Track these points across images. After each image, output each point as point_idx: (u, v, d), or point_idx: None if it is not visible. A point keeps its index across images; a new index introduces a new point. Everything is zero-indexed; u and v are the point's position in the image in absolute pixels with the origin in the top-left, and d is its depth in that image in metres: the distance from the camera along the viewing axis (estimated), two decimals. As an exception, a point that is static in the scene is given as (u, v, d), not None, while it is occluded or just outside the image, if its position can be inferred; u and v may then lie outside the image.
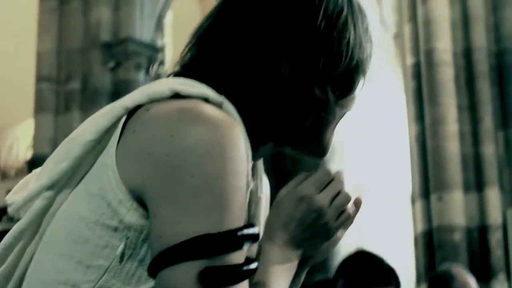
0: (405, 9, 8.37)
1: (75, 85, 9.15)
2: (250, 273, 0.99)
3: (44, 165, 1.12)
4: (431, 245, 7.11)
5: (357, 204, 1.24)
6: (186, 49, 1.20)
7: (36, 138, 9.26)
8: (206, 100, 1.05)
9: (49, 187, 1.06)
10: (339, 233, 1.23)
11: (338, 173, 1.21)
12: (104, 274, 1.01)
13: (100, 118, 1.06)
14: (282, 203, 1.17)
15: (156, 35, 9.96)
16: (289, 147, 1.25)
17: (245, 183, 1.02)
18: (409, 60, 8.10)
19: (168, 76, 1.18)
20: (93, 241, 1.01)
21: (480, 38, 7.85)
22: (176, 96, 1.06)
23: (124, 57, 9.33)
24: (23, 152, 11.78)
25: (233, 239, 0.97)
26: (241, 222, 1.00)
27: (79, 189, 1.06)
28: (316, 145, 1.25)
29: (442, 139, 7.45)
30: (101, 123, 1.05)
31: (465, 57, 7.82)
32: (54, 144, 8.02)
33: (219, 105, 1.06)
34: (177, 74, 1.16)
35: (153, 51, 9.71)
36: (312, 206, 1.16)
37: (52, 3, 9.56)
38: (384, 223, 7.99)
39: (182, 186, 0.96)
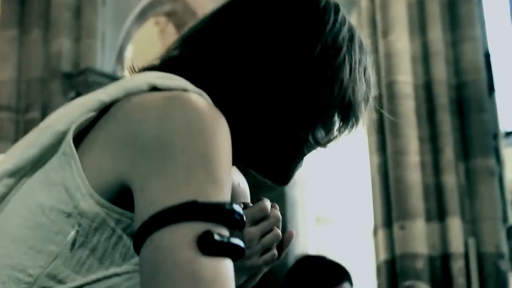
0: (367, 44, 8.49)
1: (35, 114, 9.04)
2: (242, 253, 0.93)
3: (10, 150, 1.08)
4: (394, 273, 7.14)
5: (287, 241, 1.19)
6: (172, 47, 1.17)
7: (-7, 167, 9.11)
8: (185, 91, 1.02)
9: (12, 174, 1.02)
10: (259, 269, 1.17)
11: (275, 210, 1.14)
12: (53, 260, 0.97)
13: (75, 109, 1.03)
14: None
15: (117, 66, 9.95)
16: (253, 169, 1.20)
17: (231, 168, 0.98)
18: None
19: (143, 70, 1.15)
20: (46, 226, 0.98)
21: (440, 71, 8.00)
22: (154, 89, 1.02)
23: (84, 88, 9.27)
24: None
25: (229, 212, 0.92)
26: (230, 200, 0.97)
27: (37, 177, 1.02)
28: (282, 172, 1.19)
29: (404, 170, 7.52)
30: (74, 115, 1.02)
31: (426, 90, 7.96)
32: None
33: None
34: (153, 68, 1.13)
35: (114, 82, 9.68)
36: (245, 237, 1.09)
37: (12, 32, 9.50)
38: (346, 253, 7.99)
39: (173, 161, 0.93)
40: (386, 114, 7.52)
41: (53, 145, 1.01)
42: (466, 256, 7.14)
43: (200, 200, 0.90)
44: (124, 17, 10.32)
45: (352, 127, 1.20)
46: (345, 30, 1.15)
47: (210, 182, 0.92)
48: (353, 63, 1.15)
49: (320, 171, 8.80)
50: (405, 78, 7.98)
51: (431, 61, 8.06)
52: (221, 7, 1.19)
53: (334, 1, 1.18)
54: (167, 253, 0.88)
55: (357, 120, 1.19)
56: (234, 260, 0.91)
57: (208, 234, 0.88)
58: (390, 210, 7.43)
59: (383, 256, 7.32)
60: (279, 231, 1.15)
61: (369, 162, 7.96)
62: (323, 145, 1.17)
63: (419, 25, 8.26)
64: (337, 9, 1.17)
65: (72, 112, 1.03)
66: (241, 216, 0.94)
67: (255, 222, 1.13)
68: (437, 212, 7.36)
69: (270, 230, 1.14)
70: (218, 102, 1.04)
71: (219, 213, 0.91)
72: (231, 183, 0.98)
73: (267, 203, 1.14)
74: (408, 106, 7.86)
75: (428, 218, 7.32)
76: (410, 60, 8.09)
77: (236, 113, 1.09)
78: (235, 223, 0.92)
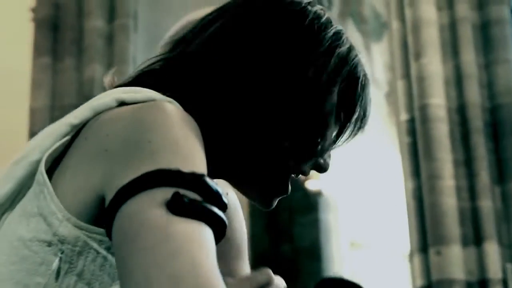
0: (398, 67, 8.46)
1: (69, 141, 9.12)
2: (222, 222, 0.88)
3: None
4: (431, 299, 7.07)
5: None
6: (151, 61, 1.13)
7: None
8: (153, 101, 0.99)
9: None
10: None
11: (279, 280, 1.11)
12: None
13: (47, 137, 1.01)
14: None
15: (149, 92, 10.00)
16: (235, 186, 1.17)
17: (205, 167, 0.94)
18: (403, 116, 8.16)
19: (116, 87, 1.10)
20: (29, 258, 0.95)
21: (474, 94, 7.94)
22: (123, 105, 1.00)
23: (117, 114, 9.33)
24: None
25: (201, 180, 0.88)
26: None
27: (17, 211, 0.99)
28: (265, 192, 1.15)
29: (438, 194, 7.45)
30: (46, 143, 1.00)
31: (460, 113, 7.89)
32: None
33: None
34: (127, 84, 1.10)
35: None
36: None
37: (45, 60, 9.58)
38: (382, 279, 7.93)
39: (140, 151, 0.90)
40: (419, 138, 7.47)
41: (28, 176, 0.99)
42: (505, 282, 7.05)
43: (166, 167, 0.87)
44: (156, 43, 10.38)
45: (354, 131, 1.16)
46: (337, 43, 1.11)
47: (180, 159, 0.89)
48: (344, 75, 1.11)
49: (354, 196, 8.76)
50: (438, 101, 7.93)
51: (464, 84, 8.00)
52: (207, 19, 1.15)
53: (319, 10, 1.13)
54: (136, 215, 0.84)
55: (358, 125, 1.16)
56: (213, 228, 0.86)
57: (177, 196, 0.84)
58: (426, 235, 7.36)
59: (419, 282, 7.24)
60: None
61: (404, 187, 7.90)
62: (312, 158, 1.13)
63: (452, 48, 8.21)
64: (324, 19, 1.12)
65: (44, 140, 1.01)
66: (218, 190, 0.89)
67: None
68: (474, 237, 7.28)
69: None
70: (198, 112, 1.01)
71: (189, 179, 0.87)
72: (205, 171, 0.93)
73: (270, 272, 1.11)
74: (441, 130, 7.79)
75: (465, 243, 7.24)
76: (443, 83, 8.04)
77: (217, 124, 1.06)
78: (210, 194, 0.88)
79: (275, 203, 1.17)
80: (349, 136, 1.16)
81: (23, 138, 9.39)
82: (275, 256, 8.96)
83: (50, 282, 0.94)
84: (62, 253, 0.94)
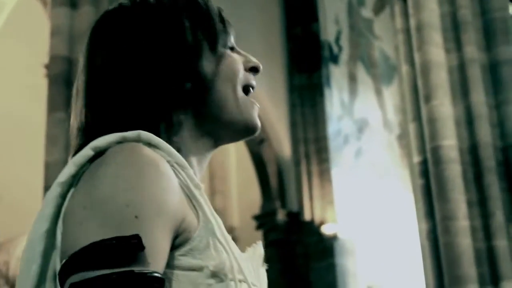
0: (409, 109, 8.50)
1: (84, 194, 9.16)
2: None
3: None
4: None
5: None
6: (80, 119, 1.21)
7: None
8: (124, 140, 1.07)
9: None
10: None
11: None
12: None
13: (46, 206, 1.07)
14: None
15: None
16: (215, 136, 1.24)
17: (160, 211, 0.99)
18: (416, 158, 8.18)
19: (78, 149, 1.15)
20: None
21: (485, 134, 7.95)
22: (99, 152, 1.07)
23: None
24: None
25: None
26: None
27: None
28: (231, 119, 1.24)
29: (453, 235, 7.43)
30: (49, 211, 1.07)
31: (472, 153, 7.90)
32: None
33: (136, 140, 1.07)
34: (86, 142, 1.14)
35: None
36: None
37: (59, 115, 9.68)
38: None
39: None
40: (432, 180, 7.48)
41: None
42: (523, 321, 7.00)
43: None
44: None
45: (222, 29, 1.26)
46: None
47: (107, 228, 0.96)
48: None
49: (370, 240, 8.75)
50: (450, 143, 7.94)
51: (475, 124, 8.02)
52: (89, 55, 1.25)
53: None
54: None
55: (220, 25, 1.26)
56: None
57: (73, 285, 0.92)
58: (442, 276, 7.33)
59: (437, 324, 7.20)
60: None
61: (418, 229, 7.89)
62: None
63: (461, 89, 8.25)
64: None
65: (45, 208, 1.07)
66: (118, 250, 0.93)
67: None
68: (491, 277, 7.24)
69: None
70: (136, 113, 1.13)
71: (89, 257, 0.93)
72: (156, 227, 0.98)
73: None
74: (454, 171, 7.80)
75: (482, 284, 7.20)
76: (454, 124, 8.06)
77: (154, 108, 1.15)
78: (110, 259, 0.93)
79: (255, 115, 1.27)
80: (225, 35, 1.26)
81: (39, 192, 9.45)
82: (293, 303, 8.94)
83: None
84: None
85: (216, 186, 15.76)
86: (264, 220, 13.06)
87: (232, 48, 1.28)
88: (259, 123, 1.28)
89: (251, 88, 1.28)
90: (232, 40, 1.29)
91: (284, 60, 13.21)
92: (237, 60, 1.27)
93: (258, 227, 13.16)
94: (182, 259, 1.03)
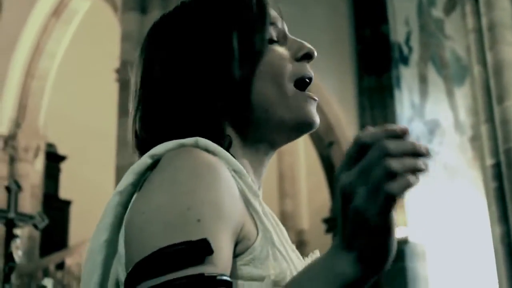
0: (481, 111, 8.35)
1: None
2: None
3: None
4: None
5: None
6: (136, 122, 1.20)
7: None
8: (182, 146, 1.04)
9: None
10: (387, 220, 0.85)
11: (380, 136, 0.84)
12: None
13: (105, 217, 1.07)
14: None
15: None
16: (270, 135, 1.18)
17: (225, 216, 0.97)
18: (489, 161, 8.03)
19: (138, 145, 1.19)
20: None
21: (561, 136, 7.76)
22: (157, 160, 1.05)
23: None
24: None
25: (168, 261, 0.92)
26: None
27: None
28: (300, 109, 1.17)
29: (528, 240, 7.26)
30: (107, 220, 1.06)
31: (547, 156, 7.71)
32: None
33: (194, 146, 1.04)
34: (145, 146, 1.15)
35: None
36: (338, 187, 0.86)
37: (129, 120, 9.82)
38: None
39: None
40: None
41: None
42: None
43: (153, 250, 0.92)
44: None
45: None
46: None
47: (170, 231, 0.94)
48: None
49: (441, 244, 8.60)
50: (524, 144, 7.77)
51: (550, 126, 7.83)
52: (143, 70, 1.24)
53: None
54: None
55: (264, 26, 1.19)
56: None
57: None
58: (516, 282, 7.16)
59: (512, 331, 7.03)
60: (390, 162, 0.81)
61: (491, 233, 7.73)
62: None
63: (536, 89, 8.07)
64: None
65: (104, 218, 1.07)
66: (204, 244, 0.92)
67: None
68: None
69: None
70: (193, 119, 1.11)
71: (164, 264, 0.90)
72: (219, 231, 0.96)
73: (365, 132, 0.86)
74: (529, 173, 7.62)
75: (558, 290, 7.02)
76: (528, 126, 7.88)
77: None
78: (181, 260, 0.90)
79: (315, 114, 1.19)
80: (261, 28, 1.19)
81: (110, 196, 9.57)
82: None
83: None
84: None
85: (286, 189, 15.75)
86: (334, 224, 12.98)
87: (275, 41, 1.20)
88: (314, 117, 1.18)
89: (307, 80, 1.20)
90: (273, 32, 1.20)
91: (353, 62, 13.11)
92: (280, 54, 1.19)
93: (328, 230, 13.09)
94: (243, 269, 1.00)
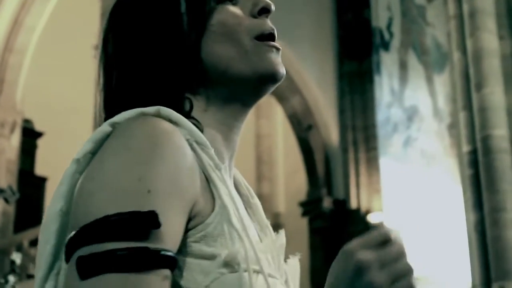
0: (460, 98, 8.33)
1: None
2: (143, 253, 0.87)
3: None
4: (495, 336, 6.88)
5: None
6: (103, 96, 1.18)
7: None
8: (143, 115, 1.01)
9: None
10: None
11: (399, 240, 0.94)
12: None
13: (62, 184, 1.03)
14: (333, 264, 0.96)
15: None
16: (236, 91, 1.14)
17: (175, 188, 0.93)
18: (465, 148, 8.02)
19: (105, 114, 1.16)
20: None
21: (538, 124, 7.78)
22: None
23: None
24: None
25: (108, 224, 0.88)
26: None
27: None
28: (240, 59, 1.13)
29: (502, 227, 7.28)
30: (64, 188, 1.02)
31: (523, 144, 7.73)
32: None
33: (155, 116, 1.01)
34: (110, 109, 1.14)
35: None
36: (350, 260, 0.92)
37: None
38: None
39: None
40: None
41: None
42: None
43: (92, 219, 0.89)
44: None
45: None
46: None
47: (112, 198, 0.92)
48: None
49: (416, 230, 8.64)
50: (501, 132, 7.77)
51: (527, 114, 7.85)
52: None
53: None
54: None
55: None
56: (137, 268, 0.86)
57: (82, 260, 0.86)
58: (489, 269, 7.18)
59: (482, 318, 7.07)
60: (409, 263, 0.93)
61: (466, 220, 7.74)
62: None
63: (514, 78, 8.07)
64: None
65: (61, 186, 1.03)
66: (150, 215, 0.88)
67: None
68: (539, 271, 7.08)
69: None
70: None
71: (96, 229, 0.88)
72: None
73: (387, 230, 0.95)
74: (504, 161, 7.64)
75: (530, 278, 7.05)
76: (505, 114, 7.89)
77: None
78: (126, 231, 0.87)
79: (278, 63, 1.15)
80: None
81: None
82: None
83: None
84: None
85: (263, 172, 15.75)
86: (309, 207, 13.01)
87: (227, 0, 1.16)
88: (276, 66, 1.14)
89: (268, 34, 1.15)
90: None
91: (334, 46, 13.10)
92: (232, 12, 1.15)
93: (304, 214, 13.12)
94: (194, 246, 0.96)
